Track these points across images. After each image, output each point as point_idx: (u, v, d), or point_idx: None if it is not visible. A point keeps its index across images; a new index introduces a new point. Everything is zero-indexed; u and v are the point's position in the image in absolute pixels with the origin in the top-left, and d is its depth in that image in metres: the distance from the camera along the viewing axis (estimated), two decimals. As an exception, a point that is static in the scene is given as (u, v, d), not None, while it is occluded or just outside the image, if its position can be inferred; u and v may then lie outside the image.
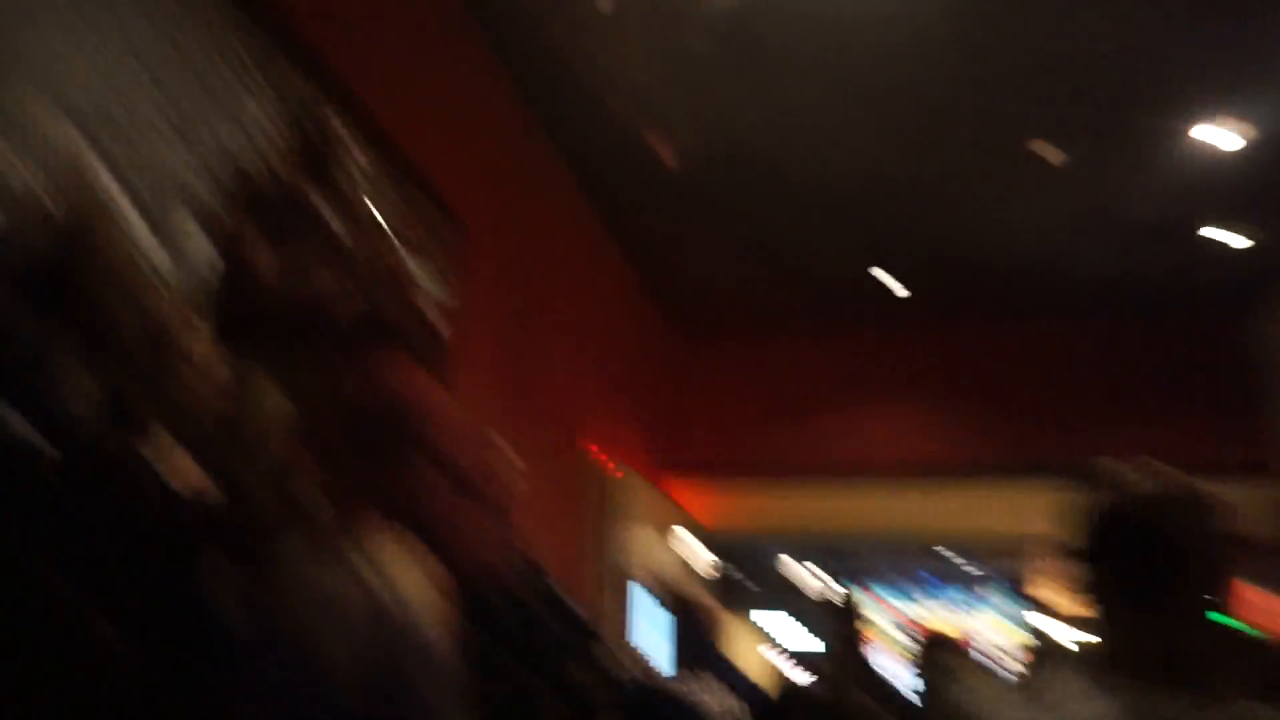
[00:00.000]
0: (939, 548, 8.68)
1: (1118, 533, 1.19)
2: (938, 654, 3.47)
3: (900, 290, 6.93)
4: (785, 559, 8.98)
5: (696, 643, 3.27)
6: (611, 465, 6.16)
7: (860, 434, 7.74)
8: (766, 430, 7.87)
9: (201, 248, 2.57)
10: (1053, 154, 5.11)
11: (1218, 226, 5.89)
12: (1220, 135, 4.92)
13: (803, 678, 3.11)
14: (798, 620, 9.52)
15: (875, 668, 3.65)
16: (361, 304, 2.30)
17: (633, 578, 6.10)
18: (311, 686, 1.02)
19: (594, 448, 6.15)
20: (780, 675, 3.31)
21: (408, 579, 1.14)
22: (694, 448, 7.93)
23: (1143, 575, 1.16)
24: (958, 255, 6.63)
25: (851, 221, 6.23)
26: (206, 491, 1.85)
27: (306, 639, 1.05)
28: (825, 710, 2.82)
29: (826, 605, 3.84)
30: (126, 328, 1.88)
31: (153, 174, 2.53)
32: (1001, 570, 9.90)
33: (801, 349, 7.97)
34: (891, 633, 8.96)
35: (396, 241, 2.52)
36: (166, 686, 1.56)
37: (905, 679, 3.52)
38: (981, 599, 10.39)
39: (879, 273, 6.85)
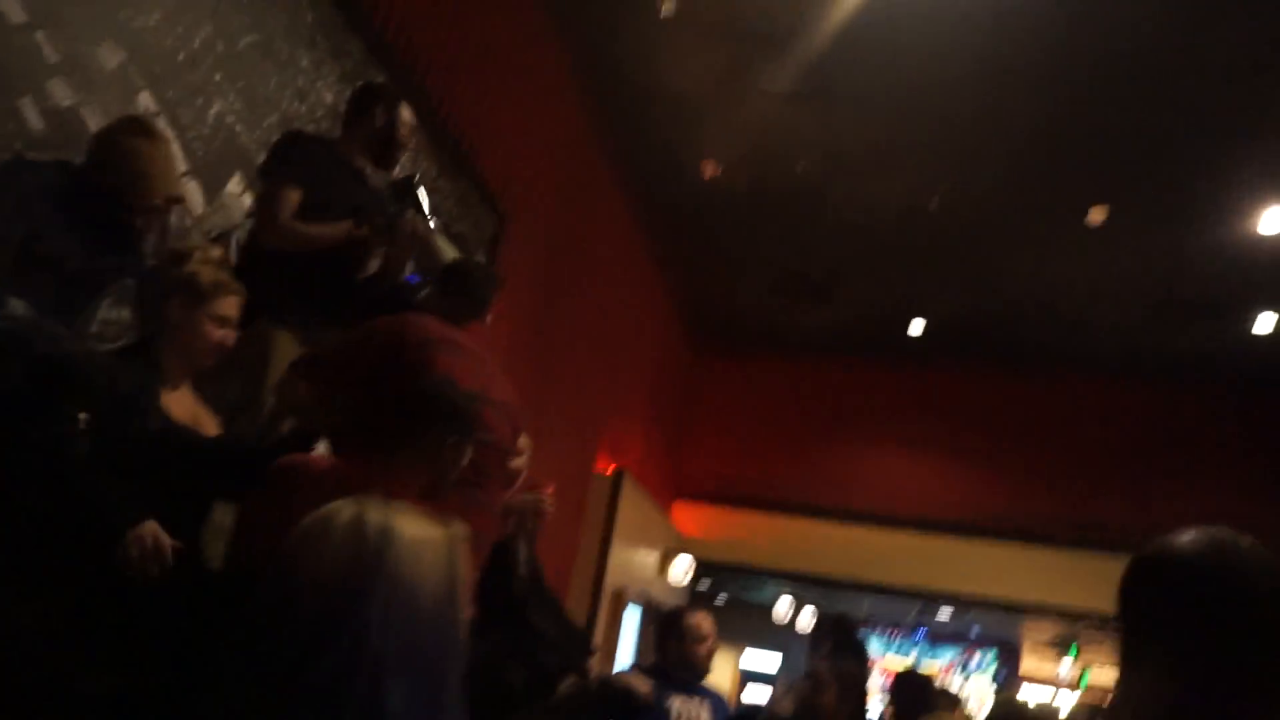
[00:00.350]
0: (938, 605, 8.57)
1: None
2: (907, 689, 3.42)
3: (916, 328, 6.88)
4: (783, 597, 8.90)
5: (676, 663, 3.26)
6: (617, 477, 6.13)
7: (872, 477, 7.63)
8: (778, 461, 7.80)
9: (245, 203, 2.61)
10: (1097, 212, 5.07)
11: (1269, 309, 5.83)
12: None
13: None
14: (780, 655, 9.43)
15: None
16: (394, 271, 2.31)
17: (628, 596, 6.07)
18: (282, 605, 1.02)
19: (605, 461, 6.14)
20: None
21: (410, 525, 1.14)
22: (705, 472, 7.88)
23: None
24: (994, 305, 6.59)
25: (890, 259, 6.20)
26: (205, 424, 1.86)
27: (286, 563, 1.06)
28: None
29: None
30: (157, 265, 1.90)
31: (211, 134, 2.57)
32: (996, 636, 9.78)
33: (825, 381, 7.91)
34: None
35: (435, 221, 2.53)
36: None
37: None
38: (973, 663, 10.26)
39: (916, 322, 6.82)
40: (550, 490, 2.50)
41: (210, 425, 1.91)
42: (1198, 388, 6.97)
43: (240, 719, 0.90)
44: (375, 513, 1.12)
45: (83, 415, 1.64)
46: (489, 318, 2.25)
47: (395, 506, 1.15)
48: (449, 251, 2.44)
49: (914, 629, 10.14)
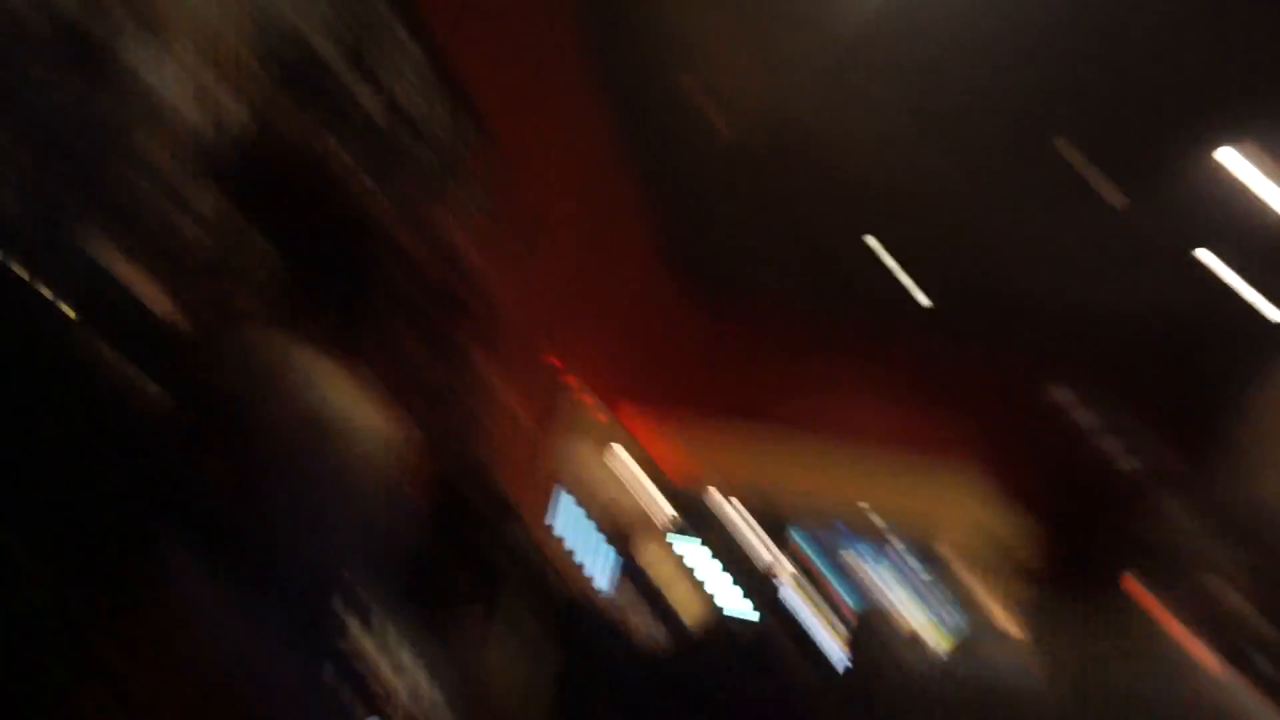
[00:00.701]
0: (881, 523, 8.90)
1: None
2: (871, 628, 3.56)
3: (923, 299, 6.96)
4: (727, 503, 9.13)
5: (625, 565, 3.36)
6: (573, 383, 6.20)
7: (832, 406, 7.78)
8: (733, 379, 8.06)
9: (225, 104, 2.55)
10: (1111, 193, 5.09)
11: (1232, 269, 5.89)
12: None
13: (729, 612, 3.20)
14: (724, 563, 9.71)
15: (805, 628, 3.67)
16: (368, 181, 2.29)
17: (569, 493, 6.11)
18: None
19: (558, 362, 6.17)
20: (706, 608, 3.43)
21: (342, 391, 1.14)
22: (662, 383, 8.03)
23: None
24: (979, 271, 6.71)
25: (880, 220, 6.30)
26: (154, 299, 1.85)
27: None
28: (747, 650, 2.92)
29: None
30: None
31: (192, 28, 2.49)
32: (930, 553, 10.19)
33: (794, 318, 7.99)
34: (823, 606, 9.20)
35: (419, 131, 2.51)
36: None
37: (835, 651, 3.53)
38: (908, 577, 10.70)
39: (904, 277, 6.90)
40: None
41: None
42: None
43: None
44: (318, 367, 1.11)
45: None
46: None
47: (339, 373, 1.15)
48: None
49: (857, 545, 10.53)
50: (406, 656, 2.13)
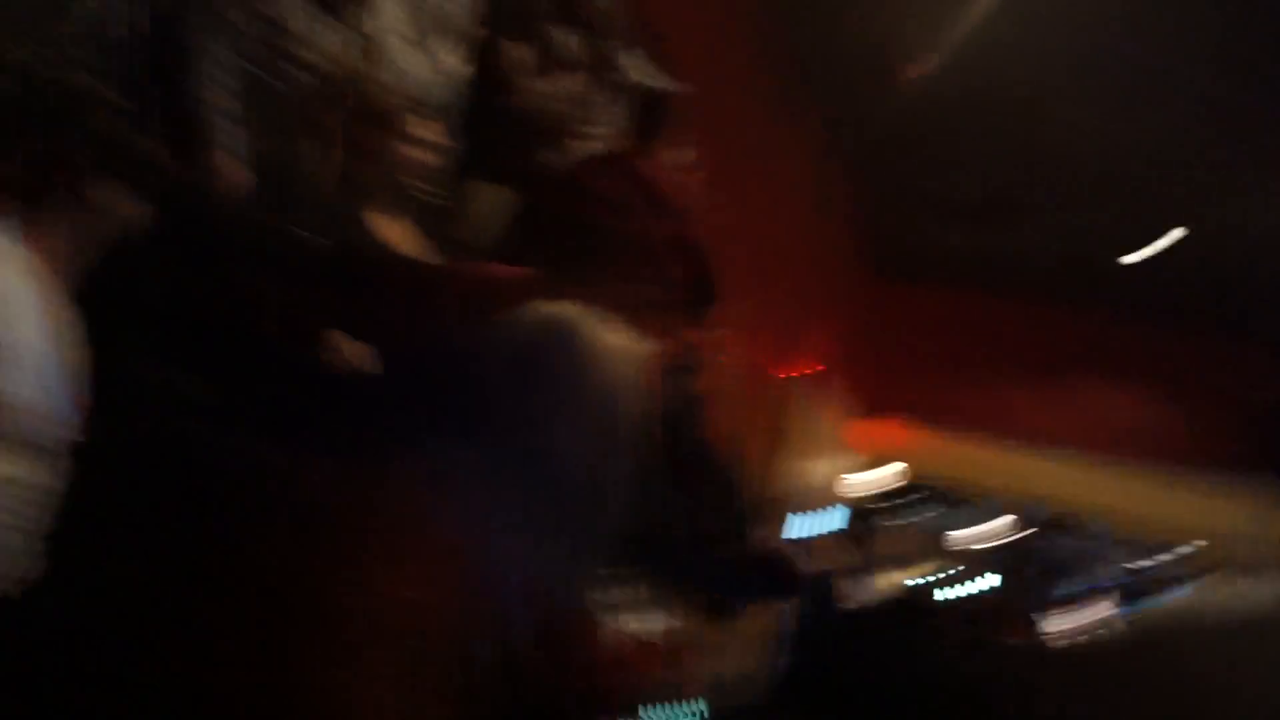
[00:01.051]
0: (1132, 541, 8.09)
1: None
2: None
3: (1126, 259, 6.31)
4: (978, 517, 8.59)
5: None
6: (799, 387, 6.06)
7: (1064, 410, 7.31)
8: (957, 385, 7.52)
9: (454, 64, 2.70)
10: None
11: None
12: None
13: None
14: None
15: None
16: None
17: (794, 505, 5.98)
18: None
19: (779, 366, 6.05)
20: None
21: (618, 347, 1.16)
22: (879, 390, 7.63)
23: None
24: (1205, 253, 6.02)
25: (1099, 194, 5.76)
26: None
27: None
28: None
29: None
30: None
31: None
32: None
33: (1009, 311, 7.53)
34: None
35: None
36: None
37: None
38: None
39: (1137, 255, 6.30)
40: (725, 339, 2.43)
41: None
42: None
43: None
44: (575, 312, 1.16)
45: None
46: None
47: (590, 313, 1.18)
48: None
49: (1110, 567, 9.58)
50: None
